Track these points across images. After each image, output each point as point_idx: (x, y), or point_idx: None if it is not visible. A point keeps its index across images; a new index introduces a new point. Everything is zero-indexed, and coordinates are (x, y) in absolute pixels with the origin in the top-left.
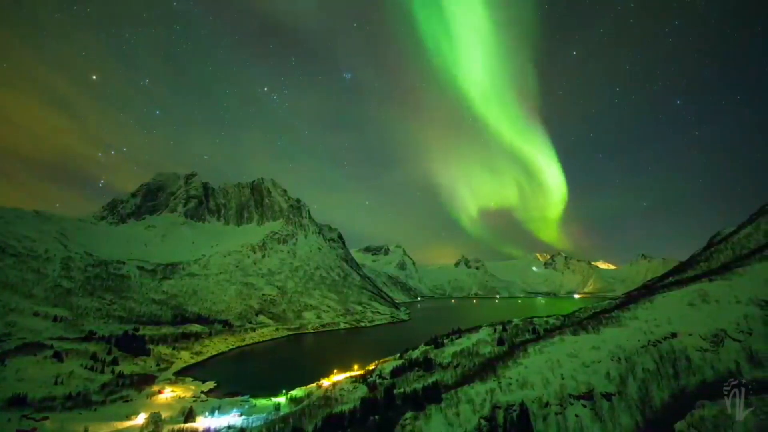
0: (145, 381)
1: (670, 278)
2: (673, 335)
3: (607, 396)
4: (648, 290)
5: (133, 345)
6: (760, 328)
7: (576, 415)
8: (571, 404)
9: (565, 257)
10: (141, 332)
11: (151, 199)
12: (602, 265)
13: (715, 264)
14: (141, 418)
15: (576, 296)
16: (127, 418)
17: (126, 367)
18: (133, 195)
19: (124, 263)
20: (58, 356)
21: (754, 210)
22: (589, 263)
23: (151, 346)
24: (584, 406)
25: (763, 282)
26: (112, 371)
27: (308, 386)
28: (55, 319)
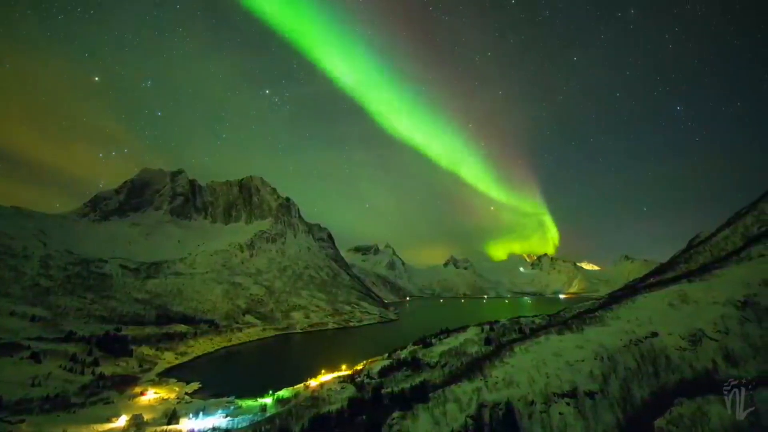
0: (126, 382)
1: (652, 279)
2: (654, 334)
3: (590, 394)
4: (630, 291)
5: (114, 345)
6: (736, 328)
7: (560, 413)
8: (556, 402)
9: (551, 258)
10: (123, 332)
11: (135, 196)
12: (587, 266)
13: (694, 265)
14: (122, 420)
15: (561, 296)
16: (108, 420)
17: (107, 368)
18: (117, 192)
19: (106, 262)
20: (35, 357)
21: (732, 214)
22: (575, 264)
23: (133, 347)
24: (568, 404)
25: (740, 283)
26: (93, 372)
27: (295, 387)
28: (32, 318)
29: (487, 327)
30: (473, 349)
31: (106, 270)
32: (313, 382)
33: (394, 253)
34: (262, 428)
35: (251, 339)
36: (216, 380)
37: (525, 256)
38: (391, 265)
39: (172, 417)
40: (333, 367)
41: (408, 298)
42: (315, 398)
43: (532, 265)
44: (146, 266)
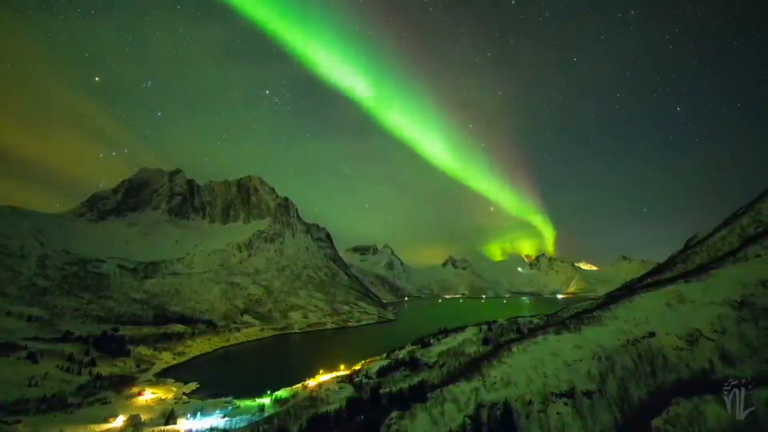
0: (124, 382)
1: (649, 279)
2: (651, 334)
3: (588, 394)
4: (628, 291)
5: (112, 346)
6: (732, 328)
7: (558, 413)
8: (553, 402)
9: (550, 258)
10: (121, 332)
11: (133, 196)
12: (585, 266)
13: (691, 266)
14: (119, 421)
15: (559, 296)
16: (105, 420)
17: (104, 369)
18: (114, 191)
19: (103, 261)
20: (32, 357)
21: (729, 214)
22: (573, 264)
23: (131, 347)
24: (566, 404)
25: (737, 283)
26: (90, 372)
27: (293, 387)
28: (29, 318)
29: (485, 327)
30: (471, 349)
31: (104, 270)
32: (311, 382)
33: (392, 253)
34: (260, 428)
35: (249, 339)
36: (214, 380)
37: (523, 256)
38: (390, 265)
39: (170, 417)
40: (331, 367)
41: (406, 298)
42: (313, 398)
43: (531, 265)
44: (144, 266)
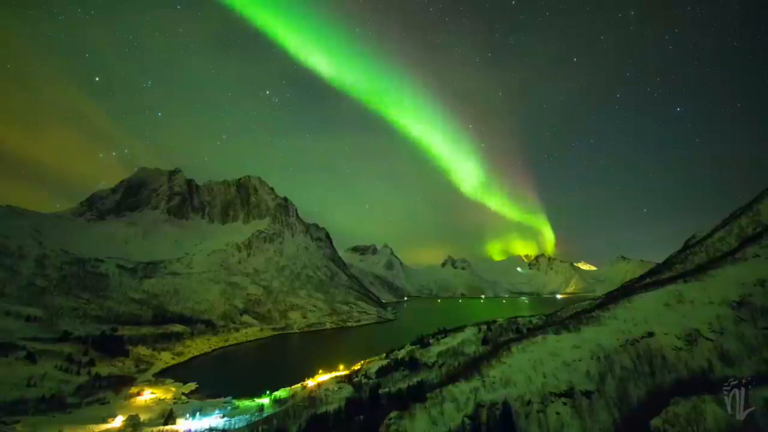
0: (123, 382)
1: (648, 279)
2: (650, 334)
3: (587, 394)
4: (626, 291)
5: (111, 346)
6: (731, 327)
7: (557, 413)
8: (552, 402)
9: (549, 258)
10: (120, 332)
11: (132, 196)
12: (583, 266)
13: (690, 266)
14: (118, 421)
15: (558, 296)
16: (104, 420)
17: (103, 369)
18: (113, 191)
19: (102, 261)
20: (31, 357)
21: (728, 214)
22: (571, 264)
23: (130, 347)
24: (565, 404)
25: (735, 283)
26: (89, 373)
27: (293, 387)
28: (28, 318)
29: (484, 327)
30: (471, 349)
31: (103, 270)
32: (310, 382)
33: (392, 253)
34: (259, 428)
35: (249, 339)
36: (213, 380)
37: (522, 256)
38: (389, 265)
39: (169, 417)
40: (330, 367)
41: (406, 298)
42: (312, 398)
43: (530, 265)
44: (143, 266)
